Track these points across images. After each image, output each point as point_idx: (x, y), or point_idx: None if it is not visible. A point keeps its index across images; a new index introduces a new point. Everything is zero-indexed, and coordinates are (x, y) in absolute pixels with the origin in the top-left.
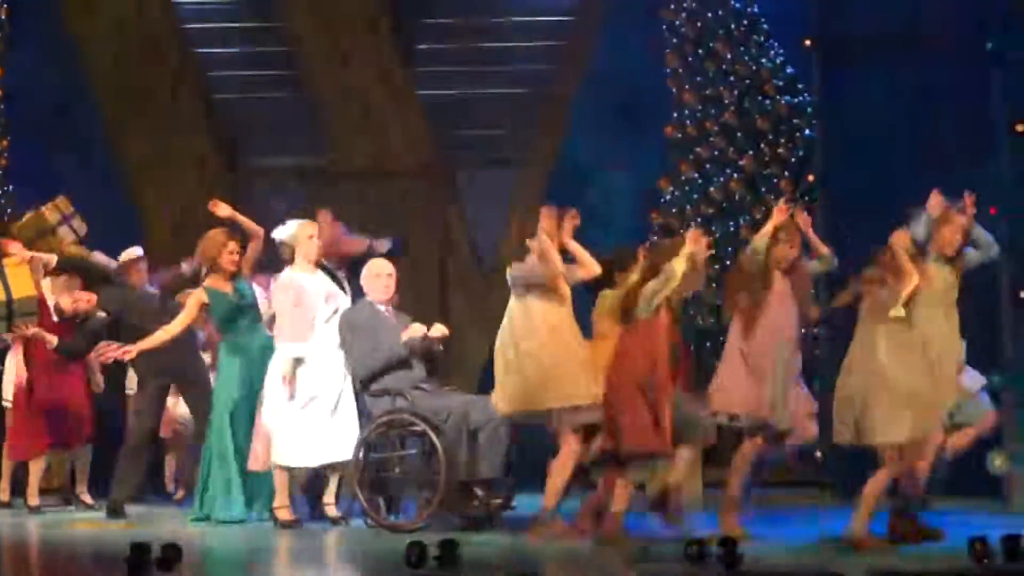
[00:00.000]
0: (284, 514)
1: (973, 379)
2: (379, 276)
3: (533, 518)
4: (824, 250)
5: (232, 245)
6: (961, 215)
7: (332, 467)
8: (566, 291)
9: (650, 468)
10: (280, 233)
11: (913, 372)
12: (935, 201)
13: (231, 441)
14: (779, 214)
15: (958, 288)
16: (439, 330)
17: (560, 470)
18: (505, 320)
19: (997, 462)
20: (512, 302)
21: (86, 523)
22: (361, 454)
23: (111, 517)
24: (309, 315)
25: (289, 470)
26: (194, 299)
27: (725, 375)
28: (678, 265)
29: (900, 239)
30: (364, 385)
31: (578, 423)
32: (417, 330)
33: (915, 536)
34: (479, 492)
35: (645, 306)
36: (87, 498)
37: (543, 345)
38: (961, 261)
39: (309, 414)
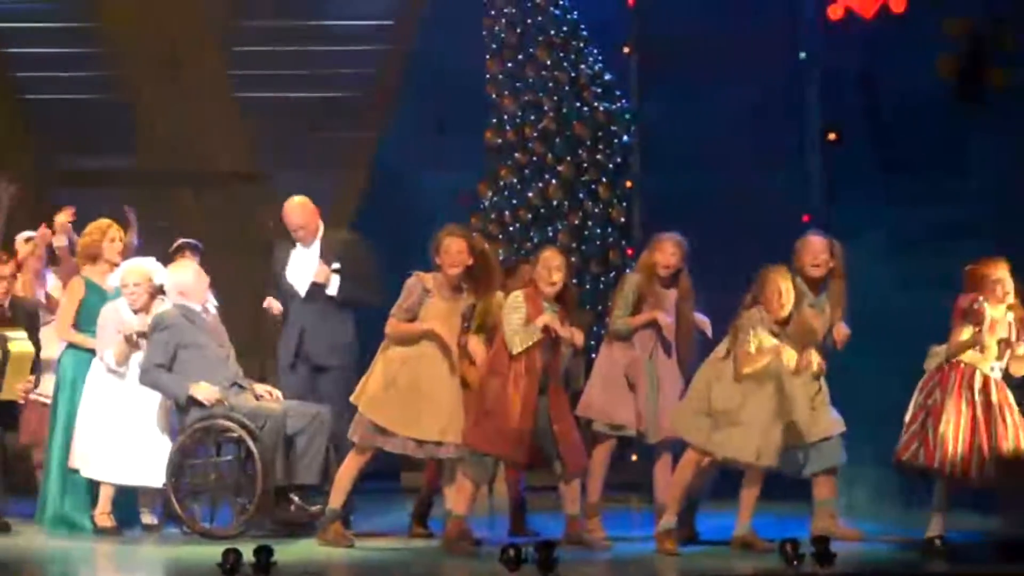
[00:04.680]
0: (103, 520)
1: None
2: (193, 273)
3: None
4: None
5: (112, 233)
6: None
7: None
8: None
9: (487, 467)
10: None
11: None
12: None
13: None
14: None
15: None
16: (264, 388)
17: (344, 473)
18: None
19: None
20: None
21: None
22: (176, 460)
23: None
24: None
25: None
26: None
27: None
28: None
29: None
30: None
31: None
32: (209, 393)
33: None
34: (296, 498)
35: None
36: None
37: (391, 367)
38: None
39: (121, 429)
